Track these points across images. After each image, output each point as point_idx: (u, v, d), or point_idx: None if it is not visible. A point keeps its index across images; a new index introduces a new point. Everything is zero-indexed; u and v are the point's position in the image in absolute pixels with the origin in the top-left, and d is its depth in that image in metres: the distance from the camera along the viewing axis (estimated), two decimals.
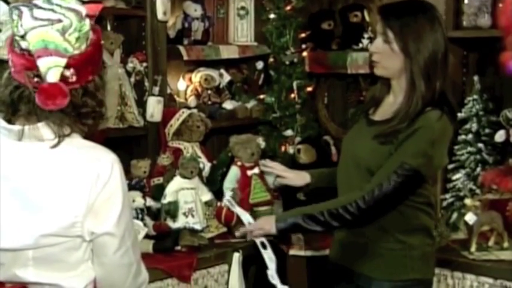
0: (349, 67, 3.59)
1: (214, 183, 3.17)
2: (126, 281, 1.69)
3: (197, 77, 3.56)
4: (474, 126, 3.06)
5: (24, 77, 1.56)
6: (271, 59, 3.72)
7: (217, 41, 3.64)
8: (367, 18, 3.67)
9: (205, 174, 3.18)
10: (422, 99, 2.18)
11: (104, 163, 1.60)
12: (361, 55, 3.49)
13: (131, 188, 2.84)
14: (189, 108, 3.36)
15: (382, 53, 2.25)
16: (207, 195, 2.98)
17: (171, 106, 3.30)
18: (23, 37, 1.54)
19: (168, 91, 3.35)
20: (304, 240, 3.20)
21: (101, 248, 1.63)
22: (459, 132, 3.09)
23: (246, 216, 2.46)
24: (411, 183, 2.19)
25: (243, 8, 3.72)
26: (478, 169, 3.04)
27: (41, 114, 1.58)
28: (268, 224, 2.30)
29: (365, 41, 3.54)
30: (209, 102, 3.57)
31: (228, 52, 3.55)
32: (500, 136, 2.95)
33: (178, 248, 2.80)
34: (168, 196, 2.87)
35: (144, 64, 3.17)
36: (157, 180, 3.07)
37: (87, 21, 1.59)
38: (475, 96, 3.07)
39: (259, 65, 3.79)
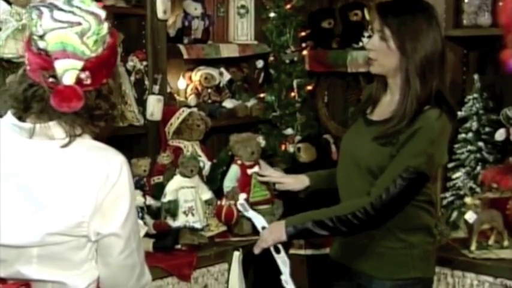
0: (349, 66, 3.59)
1: (215, 182, 3.18)
2: (130, 282, 1.70)
3: (197, 75, 3.56)
4: (474, 124, 3.06)
5: (39, 76, 1.56)
6: (271, 58, 3.72)
7: (218, 39, 3.64)
8: (367, 16, 3.67)
9: (205, 173, 3.18)
10: (417, 98, 2.18)
11: (114, 164, 1.61)
12: (361, 54, 3.49)
13: None
14: (189, 107, 3.36)
15: (378, 50, 2.24)
16: (207, 194, 2.98)
17: (171, 105, 3.30)
18: (41, 37, 1.55)
19: (168, 90, 3.35)
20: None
21: (106, 248, 1.63)
22: (459, 131, 3.09)
23: (260, 220, 2.41)
24: (417, 185, 2.19)
25: (243, 6, 3.72)
26: (478, 168, 3.04)
27: (53, 113, 1.58)
28: (279, 231, 2.27)
29: (365, 40, 3.54)
30: (209, 101, 3.57)
31: (228, 51, 3.55)
32: (500, 135, 2.95)
33: (179, 246, 2.81)
34: (168, 195, 2.87)
35: (144, 63, 3.17)
36: (158, 179, 3.08)
37: (106, 25, 1.60)
38: (475, 95, 3.06)
39: (259, 63, 3.79)
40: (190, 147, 3.24)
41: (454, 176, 3.11)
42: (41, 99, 1.58)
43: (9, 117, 1.62)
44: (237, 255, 2.86)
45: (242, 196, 2.68)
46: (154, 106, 3.17)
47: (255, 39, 3.74)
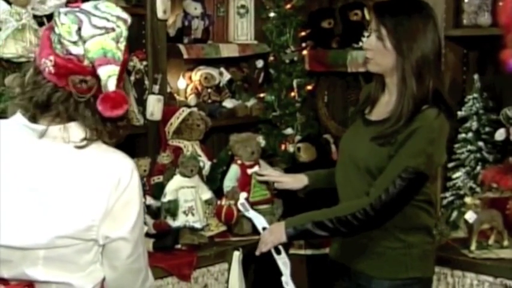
0: (349, 65, 3.59)
1: (214, 181, 3.18)
2: (135, 286, 1.71)
3: (197, 75, 3.56)
4: (474, 124, 3.06)
5: (66, 81, 1.57)
6: (271, 58, 3.72)
7: (217, 39, 3.64)
8: (367, 16, 3.67)
9: (205, 173, 3.18)
10: (414, 98, 2.18)
11: (125, 168, 1.62)
12: (361, 53, 3.48)
13: None
14: (189, 106, 3.36)
15: (375, 49, 2.25)
16: (207, 194, 2.98)
17: (171, 105, 3.30)
18: (75, 43, 1.55)
19: (168, 90, 3.35)
20: None
21: (114, 252, 1.64)
22: (459, 131, 3.09)
23: (260, 221, 2.42)
24: (416, 185, 2.20)
25: (243, 6, 3.72)
26: (478, 167, 3.04)
27: (76, 115, 1.59)
28: (279, 232, 2.29)
29: (365, 40, 3.53)
30: (209, 101, 3.57)
31: (228, 51, 3.55)
32: (500, 134, 2.95)
33: (179, 246, 2.81)
34: (168, 195, 2.87)
35: (144, 63, 3.17)
36: (158, 179, 3.08)
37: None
38: (475, 95, 3.06)
39: (259, 63, 3.79)
40: (190, 147, 3.24)
41: (454, 176, 3.11)
42: (65, 101, 1.58)
43: (20, 118, 1.61)
44: (237, 255, 2.86)
45: (243, 196, 2.68)
46: (154, 106, 3.17)
47: (255, 39, 3.74)
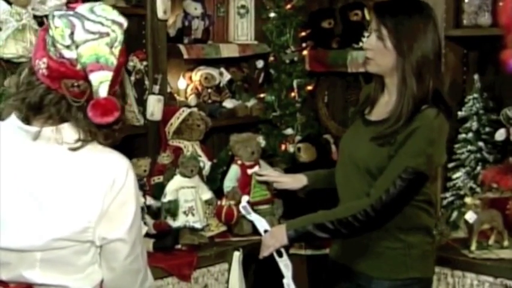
0: (349, 66, 3.59)
1: (215, 182, 3.18)
2: (134, 287, 1.70)
3: (197, 75, 3.56)
4: (474, 124, 3.06)
5: (59, 84, 1.55)
6: (271, 58, 3.72)
7: (218, 39, 3.64)
8: (367, 16, 3.67)
9: (205, 173, 3.18)
10: (414, 98, 2.18)
11: (120, 169, 1.61)
12: (361, 54, 3.47)
13: None
14: (189, 107, 3.36)
15: (375, 49, 2.25)
16: (207, 194, 2.98)
17: (171, 105, 3.30)
18: (68, 47, 1.54)
19: (168, 90, 3.35)
20: None
21: (112, 253, 1.63)
22: (459, 131, 3.09)
23: (262, 223, 2.40)
24: (416, 185, 2.20)
25: (243, 6, 3.72)
26: (478, 168, 3.05)
27: (68, 116, 1.57)
28: (280, 235, 2.28)
29: (365, 40, 3.53)
30: (209, 101, 3.56)
31: (228, 51, 3.55)
32: (500, 135, 2.95)
33: (179, 246, 2.81)
34: (168, 195, 2.87)
35: (144, 63, 3.17)
36: (158, 179, 3.07)
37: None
38: (475, 95, 3.07)
39: (260, 63, 3.79)
40: (190, 147, 3.24)
41: (454, 176, 3.11)
42: (57, 103, 1.57)
43: (14, 119, 1.60)
44: (237, 255, 2.86)
45: (245, 198, 2.65)
46: (155, 106, 3.17)
47: (255, 39, 3.74)
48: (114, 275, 1.65)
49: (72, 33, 1.54)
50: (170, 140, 3.25)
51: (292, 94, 3.69)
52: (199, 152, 3.26)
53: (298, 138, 3.65)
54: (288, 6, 3.67)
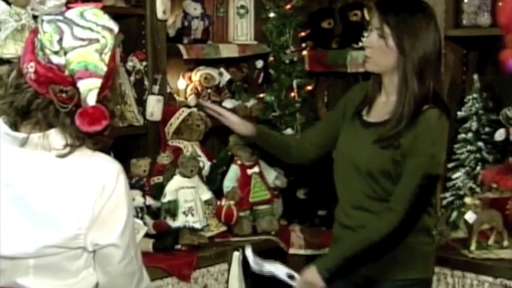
0: (349, 66, 3.58)
1: (214, 182, 3.17)
2: None
3: (197, 75, 3.56)
4: (474, 124, 3.06)
5: (47, 89, 1.53)
6: (271, 58, 3.71)
7: (217, 39, 3.64)
8: (366, 16, 3.66)
9: (205, 173, 3.18)
10: (415, 98, 2.17)
11: (109, 174, 1.58)
12: (361, 54, 3.46)
13: (131, 187, 2.82)
14: (189, 107, 3.36)
15: (376, 48, 2.24)
16: (206, 194, 2.98)
17: (171, 105, 3.30)
18: (56, 53, 1.51)
19: (168, 90, 3.34)
20: (304, 239, 3.21)
21: (105, 258, 1.61)
22: (459, 131, 3.09)
23: (281, 270, 2.29)
24: (433, 188, 2.25)
25: (242, 6, 3.71)
26: (478, 168, 3.05)
27: (56, 123, 1.55)
28: (314, 279, 2.20)
29: (365, 38, 3.53)
30: (209, 101, 3.56)
31: (227, 51, 3.54)
32: (500, 135, 2.95)
33: (178, 246, 2.81)
34: (168, 195, 2.87)
35: (144, 63, 3.16)
36: (157, 179, 3.07)
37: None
38: (475, 95, 3.07)
39: (259, 63, 3.78)
40: (190, 147, 3.24)
41: (454, 176, 3.11)
42: (44, 108, 1.55)
43: (1, 125, 1.58)
44: (237, 255, 2.86)
45: (249, 253, 2.42)
46: (154, 106, 3.16)
47: (255, 39, 3.73)
48: (109, 278, 1.64)
49: (60, 39, 1.51)
50: (170, 140, 3.24)
51: (292, 94, 3.68)
52: (199, 152, 3.25)
53: None
54: (288, 6, 3.67)
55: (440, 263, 2.68)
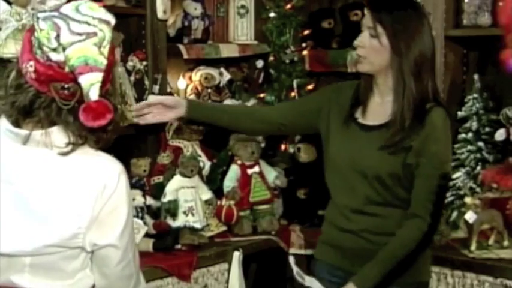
0: (349, 66, 3.58)
1: (215, 182, 3.17)
2: None
3: (197, 75, 3.56)
4: (474, 124, 3.05)
5: (48, 87, 1.52)
6: (271, 58, 3.72)
7: (217, 39, 3.64)
8: None
9: (205, 173, 3.18)
10: (414, 98, 2.14)
11: (111, 174, 1.57)
12: None
13: (131, 186, 2.82)
14: None
15: (368, 47, 2.18)
16: (207, 194, 2.98)
17: None
18: (55, 50, 1.50)
19: (168, 90, 3.35)
20: (305, 238, 3.21)
21: (103, 259, 1.60)
22: (459, 131, 3.09)
23: (318, 285, 2.27)
24: (448, 186, 2.32)
25: (243, 6, 3.72)
26: (478, 168, 3.04)
27: (58, 120, 1.54)
28: None
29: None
30: (209, 101, 3.56)
31: (228, 51, 3.55)
32: (500, 135, 2.95)
33: (179, 246, 2.81)
34: (168, 195, 2.87)
35: (144, 63, 3.16)
36: (158, 179, 3.07)
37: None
38: (475, 95, 3.06)
39: (259, 63, 3.78)
40: (190, 147, 3.24)
41: (454, 176, 3.10)
42: (47, 107, 1.54)
43: (4, 122, 1.57)
44: (237, 255, 2.86)
45: (292, 262, 2.39)
46: None
47: (255, 39, 3.74)
48: (106, 281, 1.63)
49: (58, 36, 1.49)
50: (170, 140, 3.25)
51: (292, 94, 3.69)
52: (199, 152, 3.26)
53: (298, 138, 3.64)
54: (288, 6, 3.67)
55: (440, 263, 2.68)
